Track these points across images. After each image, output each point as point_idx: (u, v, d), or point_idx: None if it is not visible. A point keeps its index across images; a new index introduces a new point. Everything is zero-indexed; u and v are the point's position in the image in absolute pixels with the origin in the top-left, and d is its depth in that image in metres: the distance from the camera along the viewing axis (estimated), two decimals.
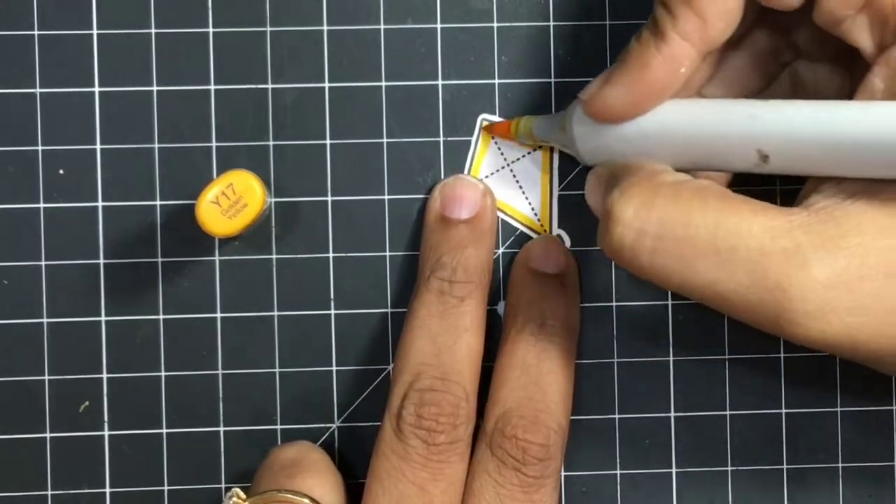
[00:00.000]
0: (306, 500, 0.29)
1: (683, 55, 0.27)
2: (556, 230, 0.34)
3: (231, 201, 0.30)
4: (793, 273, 0.24)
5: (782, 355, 0.34)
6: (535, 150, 0.34)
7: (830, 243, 0.25)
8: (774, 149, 0.26)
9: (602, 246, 0.27)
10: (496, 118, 0.33)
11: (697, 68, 0.28)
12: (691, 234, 0.25)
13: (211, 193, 0.30)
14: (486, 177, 0.34)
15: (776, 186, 0.33)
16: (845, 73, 0.30)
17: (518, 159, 0.34)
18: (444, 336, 0.30)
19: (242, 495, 0.29)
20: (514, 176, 0.34)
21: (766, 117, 0.26)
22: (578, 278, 0.33)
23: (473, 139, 0.33)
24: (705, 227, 0.25)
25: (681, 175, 0.27)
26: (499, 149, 0.34)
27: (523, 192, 0.34)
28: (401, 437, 0.29)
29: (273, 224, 0.33)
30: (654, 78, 0.27)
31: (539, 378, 0.30)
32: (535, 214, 0.34)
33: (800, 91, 0.31)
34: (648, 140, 0.28)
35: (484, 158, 0.34)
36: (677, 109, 0.28)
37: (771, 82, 0.31)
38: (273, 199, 0.33)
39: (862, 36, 0.26)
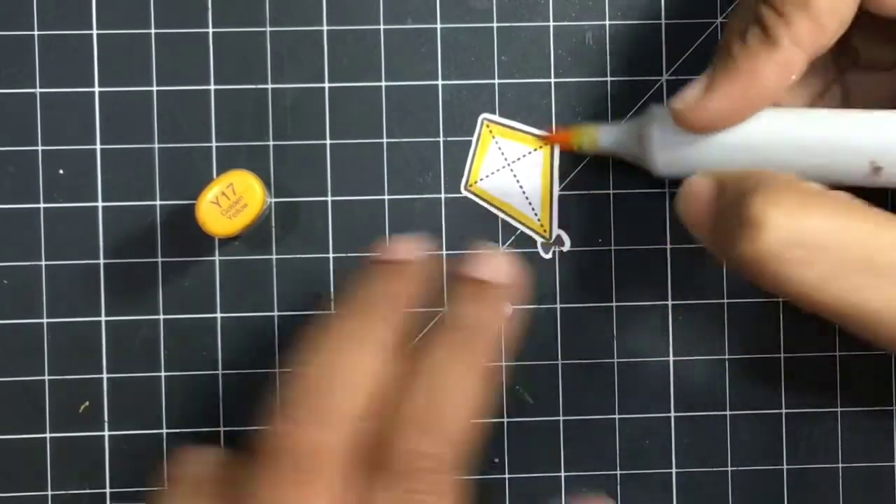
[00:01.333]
0: None
1: (796, 61, 0.26)
2: (555, 230, 0.34)
3: (231, 201, 0.30)
4: None
5: (782, 355, 0.34)
6: (536, 149, 0.34)
7: None
8: (889, 160, 0.26)
9: (738, 254, 0.25)
10: (496, 118, 0.33)
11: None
12: (847, 246, 0.24)
13: (211, 193, 0.30)
14: (486, 176, 0.34)
15: None
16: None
17: (518, 159, 0.34)
18: (344, 355, 0.26)
19: None
20: (515, 176, 0.34)
21: (878, 127, 0.26)
22: (520, 295, 0.30)
23: (474, 139, 0.33)
24: (862, 241, 0.24)
25: (818, 185, 0.26)
26: (499, 149, 0.34)
27: (523, 192, 0.34)
28: (263, 457, 0.24)
29: (273, 224, 0.33)
30: (765, 86, 0.26)
31: (444, 385, 0.26)
32: (536, 215, 0.34)
33: (848, 101, 0.30)
34: (748, 151, 0.27)
35: (484, 158, 0.34)
36: (780, 120, 0.27)
37: (826, 90, 0.30)
38: (273, 200, 0.33)
39: None
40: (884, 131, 0.26)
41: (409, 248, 0.28)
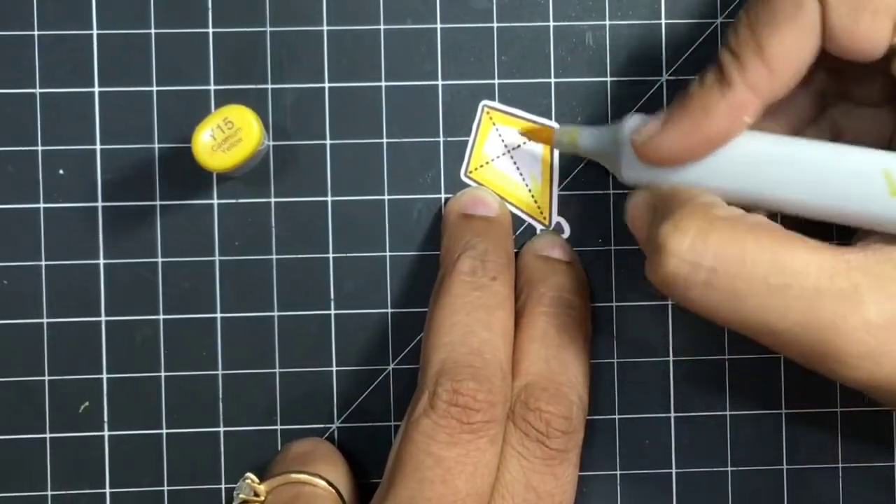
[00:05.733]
0: (319, 480, 0.29)
1: (748, 104, 0.26)
2: (555, 217, 0.34)
3: (226, 134, 0.30)
4: (847, 314, 0.24)
5: (783, 355, 0.34)
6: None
7: (889, 285, 0.25)
8: None
9: (651, 277, 0.26)
10: (497, 104, 0.33)
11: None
12: (746, 271, 0.25)
13: (206, 129, 0.30)
14: (487, 163, 0.34)
15: None
16: (891, 119, 0.29)
17: (518, 146, 0.34)
18: (479, 313, 0.29)
19: (256, 479, 0.29)
20: (515, 162, 0.34)
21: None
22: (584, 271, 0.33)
23: (474, 125, 0.33)
24: (760, 264, 0.25)
25: (734, 210, 0.27)
26: (499, 135, 0.34)
27: (523, 179, 0.34)
28: (433, 415, 0.28)
29: (273, 225, 0.33)
30: (716, 126, 0.27)
31: (559, 351, 0.30)
32: (535, 202, 0.34)
33: (840, 137, 0.30)
34: (715, 175, 0.27)
35: (484, 144, 0.34)
36: (757, 142, 0.27)
37: (811, 123, 0.31)
38: (274, 200, 0.33)
39: None
40: None
41: (495, 204, 0.33)
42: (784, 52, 0.26)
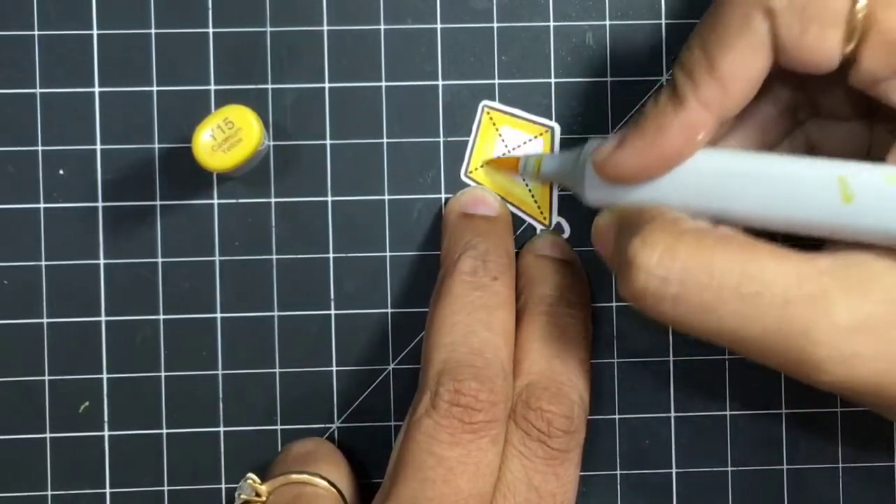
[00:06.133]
0: (320, 480, 0.30)
1: (702, 122, 0.27)
2: (555, 217, 0.34)
3: (226, 135, 0.30)
4: (818, 319, 0.24)
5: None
6: (537, 136, 0.34)
7: (858, 288, 0.25)
8: (867, 177, 0.25)
9: (623, 293, 0.26)
10: (497, 104, 0.33)
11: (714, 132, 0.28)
12: (715, 282, 0.25)
13: (206, 129, 0.30)
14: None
15: None
16: (865, 132, 0.29)
17: (519, 146, 0.34)
18: (480, 312, 0.30)
19: (257, 479, 0.30)
20: None
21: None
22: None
23: (474, 125, 0.33)
24: (729, 275, 0.25)
25: (701, 223, 0.27)
26: (500, 135, 0.34)
27: (524, 179, 0.34)
28: (434, 415, 0.28)
29: (273, 224, 0.33)
30: (671, 144, 0.27)
31: (560, 351, 0.30)
32: (535, 202, 0.34)
33: (816, 153, 0.30)
34: (676, 189, 0.27)
35: (484, 145, 0.34)
36: (714, 157, 0.27)
37: (783, 139, 0.31)
38: (274, 200, 0.33)
39: None
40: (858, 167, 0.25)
41: (496, 204, 0.33)
42: (736, 70, 0.26)
